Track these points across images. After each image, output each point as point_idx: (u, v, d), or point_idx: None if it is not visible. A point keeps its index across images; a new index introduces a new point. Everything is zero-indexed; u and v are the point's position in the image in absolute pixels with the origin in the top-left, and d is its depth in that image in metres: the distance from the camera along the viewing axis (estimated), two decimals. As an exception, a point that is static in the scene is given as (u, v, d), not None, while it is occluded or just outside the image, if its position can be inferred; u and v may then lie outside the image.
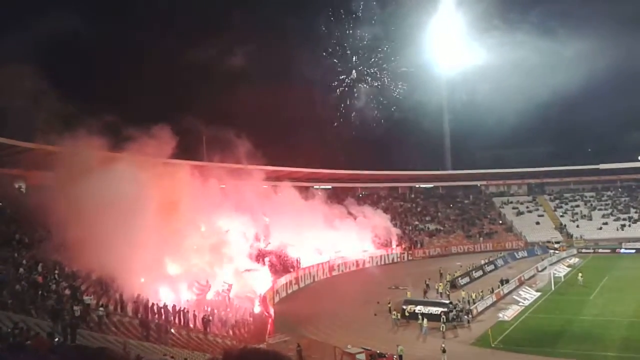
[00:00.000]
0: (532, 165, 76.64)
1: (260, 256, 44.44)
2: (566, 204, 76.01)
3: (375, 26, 78.61)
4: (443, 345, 25.87)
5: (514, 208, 76.26)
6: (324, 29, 77.80)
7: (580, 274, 42.47)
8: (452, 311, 32.34)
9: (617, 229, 66.96)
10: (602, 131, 77.40)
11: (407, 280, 42.77)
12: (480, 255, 56.51)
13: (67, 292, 24.80)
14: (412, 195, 79.31)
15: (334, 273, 52.41)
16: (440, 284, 41.54)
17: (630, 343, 26.68)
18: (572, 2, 72.76)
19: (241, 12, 71.03)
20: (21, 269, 25.41)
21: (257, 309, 33.86)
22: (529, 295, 38.39)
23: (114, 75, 58.39)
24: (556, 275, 43.58)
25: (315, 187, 65.59)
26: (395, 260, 59.93)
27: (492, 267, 50.63)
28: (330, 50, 79.13)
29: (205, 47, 63.15)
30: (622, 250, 59.43)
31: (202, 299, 32.49)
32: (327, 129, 77.38)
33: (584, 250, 60.75)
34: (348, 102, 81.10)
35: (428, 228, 69.40)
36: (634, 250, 58.49)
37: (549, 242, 62.99)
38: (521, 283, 42.12)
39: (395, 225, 63.95)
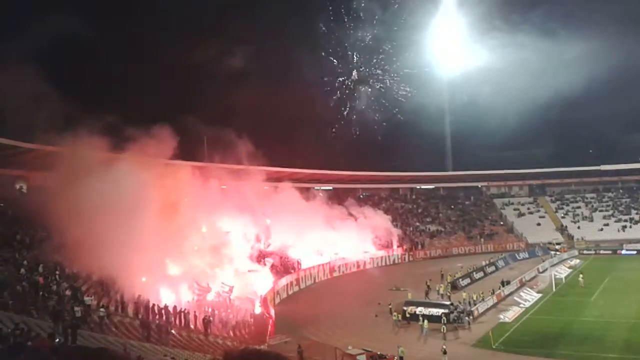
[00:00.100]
0: (533, 167, 76.28)
1: (260, 257, 44.46)
2: (567, 205, 75.88)
3: (376, 27, 78.56)
4: (444, 347, 25.88)
5: (515, 209, 76.18)
6: (325, 29, 77.72)
7: (581, 276, 42.34)
8: (453, 312, 32.31)
9: (618, 230, 66.82)
10: (603, 132, 77.21)
11: (407, 282, 42.72)
12: (481, 257, 56.51)
13: (68, 292, 24.86)
14: (413, 197, 79.26)
15: (334, 274, 52.34)
16: (441, 285, 41.48)
17: (632, 345, 26.62)
18: (573, 3, 72.66)
19: (242, 13, 71.16)
20: (22, 270, 25.46)
21: (258, 310, 33.88)
22: (529, 297, 38.38)
23: (115, 75, 58.35)
24: (557, 276, 43.55)
25: (316, 188, 65.65)
26: (396, 261, 59.87)
27: (493, 268, 50.55)
28: (331, 50, 79.04)
29: (206, 48, 63.15)
30: (623, 252, 59.20)
31: (203, 300, 32.53)
32: (328, 130, 77.41)
33: (585, 252, 60.57)
34: (349, 103, 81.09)
35: (429, 229, 69.35)
36: (635, 252, 58.26)
37: (550, 243, 62.67)
38: (522, 284, 42.06)
39: (396, 226, 63.84)
